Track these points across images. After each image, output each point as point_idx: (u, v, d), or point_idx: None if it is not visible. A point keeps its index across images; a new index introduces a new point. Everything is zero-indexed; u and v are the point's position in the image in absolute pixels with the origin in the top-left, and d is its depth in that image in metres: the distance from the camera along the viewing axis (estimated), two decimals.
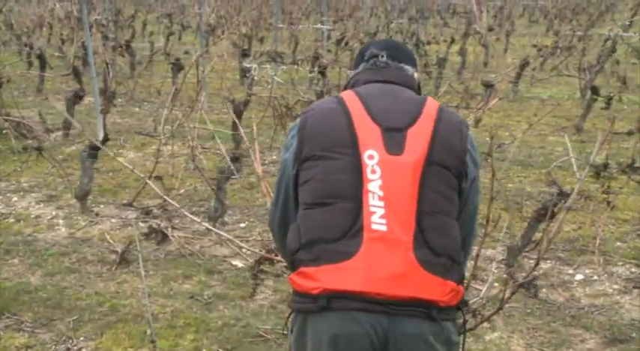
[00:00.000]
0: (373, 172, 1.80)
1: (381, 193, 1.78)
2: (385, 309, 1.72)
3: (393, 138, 1.83)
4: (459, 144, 1.87)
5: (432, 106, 1.92)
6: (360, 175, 1.80)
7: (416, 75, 2.12)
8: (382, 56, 2.07)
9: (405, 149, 1.82)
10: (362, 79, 2.07)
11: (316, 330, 1.78)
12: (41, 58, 10.01)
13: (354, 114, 1.88)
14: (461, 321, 1.93)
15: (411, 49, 2.17)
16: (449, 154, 1.85)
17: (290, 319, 1.91)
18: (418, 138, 1.84)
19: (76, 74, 7.78)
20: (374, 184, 1.79)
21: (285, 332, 2.02)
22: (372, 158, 1.81)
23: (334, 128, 1.88)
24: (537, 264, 2.56)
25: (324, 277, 1.76)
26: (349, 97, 1.96)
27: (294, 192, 1.94)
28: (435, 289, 1.75)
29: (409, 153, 1.82)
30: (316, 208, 1.84)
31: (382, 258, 1.74)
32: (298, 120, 1.98)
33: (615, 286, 4.12)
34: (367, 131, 1.85)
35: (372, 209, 1.77)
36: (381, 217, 1.76)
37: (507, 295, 2.58)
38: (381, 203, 1.77)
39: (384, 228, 1.76)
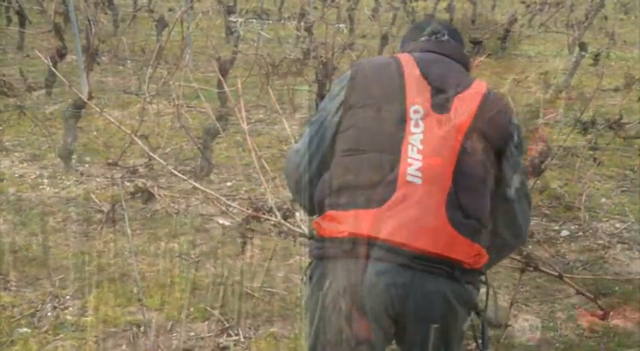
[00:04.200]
0: (416, 126, 1.80)
1: (420, 147, 1.77)
2: (408, 262, 1.69)
3: (441, 99, 1.84)
4: (503, 123, 1.88)
5: (481, 84, 1.95)
6: (404, 128, 1.80)
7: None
8: (444, 35, 2.10)
9: (451, 111, 1.83)
10: (419, 47, 2.09)
11: (336, 278, 1.75)
12: (20, 14, 9.78)
13: (407, 71, 1.90)
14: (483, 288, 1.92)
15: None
16: (491, 128, 1.85)
17: (310, 268, 1.87)
18: (465, 105, 1.85)
19: (58, 31, 7.60)
20: (415, 138, 1.78)
21: (303, 279, 1.98)
22: (417, 113, 1.82)
23: (385, 80, 1.90)
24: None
25: (352, 221, 1.74)
26: (405, 56, 1.98)
27: (332, 141, 1.93)
28: (462, 249, 1.73)
29: (454, 115, 1.83)
30: (353, 155, 1.83)
31: (413, 210, 1.71)
32: (349, 71, 1.99)
33: (600, 242, 4.16)
34: (417, 87, 1.86)
35: (410, 161, 1.75)
36: (418, 170, 1.74)
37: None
38: (419, 156, 1.76)
39: (418, 181, 1.74)
